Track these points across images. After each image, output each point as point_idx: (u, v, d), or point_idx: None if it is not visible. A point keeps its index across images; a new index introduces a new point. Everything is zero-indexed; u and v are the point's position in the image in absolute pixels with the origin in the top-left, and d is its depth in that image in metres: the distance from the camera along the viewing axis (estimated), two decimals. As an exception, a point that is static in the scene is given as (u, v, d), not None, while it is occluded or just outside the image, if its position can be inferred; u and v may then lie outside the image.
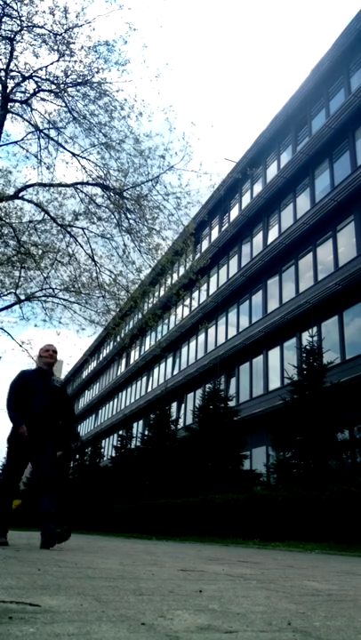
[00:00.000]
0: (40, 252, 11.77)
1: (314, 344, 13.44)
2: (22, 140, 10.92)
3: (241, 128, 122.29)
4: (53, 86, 10.37)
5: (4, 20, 9.78)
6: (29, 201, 11.19)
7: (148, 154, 10.51)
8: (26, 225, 11.44)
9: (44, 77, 10.35)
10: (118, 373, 40.34)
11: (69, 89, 10.36)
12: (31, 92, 10.51)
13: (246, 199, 24.64)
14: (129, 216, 11.04)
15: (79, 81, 10.28)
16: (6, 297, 12.26)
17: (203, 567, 3.51)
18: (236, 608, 1.69)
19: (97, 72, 10.25)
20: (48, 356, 5.05)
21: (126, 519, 15.67)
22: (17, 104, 10.55)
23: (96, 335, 19.06)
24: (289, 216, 21.09)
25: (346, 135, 18.34)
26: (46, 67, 10.24)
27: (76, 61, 10.14)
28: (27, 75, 10.27)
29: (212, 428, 15.37)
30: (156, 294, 20.81)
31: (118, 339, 17.11)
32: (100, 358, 44.57)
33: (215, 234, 27.22)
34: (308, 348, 13.39)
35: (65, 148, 10.89)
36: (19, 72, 10.24)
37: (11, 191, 10.95)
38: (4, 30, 9.85)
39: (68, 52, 10.04)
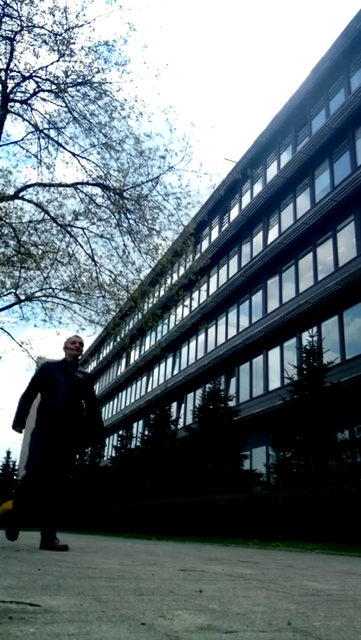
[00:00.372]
0: (40, 252, 11.78)
1: (314, 344, 13.43)
2: (22, 139, 10.94)
3: (241, 128, 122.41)
4: (53, 86, 10.38)
5: (4, 20, 9.79)
6: (29, 201, 11.20)
7: (149, 154, 10.53)
8: (26, 225, 11.45)
9: (44, 77, 10.36)
10: (118, 373, 40.34)
11: (69, 89, 10.37)
12: (31, 91, 10.52)
13: (246, 199, 24.63)
14: (129, 216, 11.05)
15: (79, 81, 10.29)
16: (6, 297, 12.30)
17: (203, 567, 3.50)
18: (236, 608, 1.69)
19: (97, 72, 10.27)
20: (75, 349, 4.90)
21: (126, 519, 15.65)
22: (17, 104, 10.56)
23: (96, 335, 19.08)
24: (289, 216, 21.08)
25: (346, 135, 18.33)
26: (46, 67, 10.26)
27: (76, 61, 10.16)
28: (27, 75, 10.28)
29: (212, 428, 15.36)
30: (156, 294, 20.82)
31: (118, 339, 17.14)
32: (100, 358, 44.60)
33: (215, 234, 27.21)
34: (308, 348, 13.38)
35: (65, 148, 10.90)
36: (19, 72, 10.25)
37: (11, 191, 10.95)
38: (5, 30, 9.87)
39: (68, 52, 10.05)
